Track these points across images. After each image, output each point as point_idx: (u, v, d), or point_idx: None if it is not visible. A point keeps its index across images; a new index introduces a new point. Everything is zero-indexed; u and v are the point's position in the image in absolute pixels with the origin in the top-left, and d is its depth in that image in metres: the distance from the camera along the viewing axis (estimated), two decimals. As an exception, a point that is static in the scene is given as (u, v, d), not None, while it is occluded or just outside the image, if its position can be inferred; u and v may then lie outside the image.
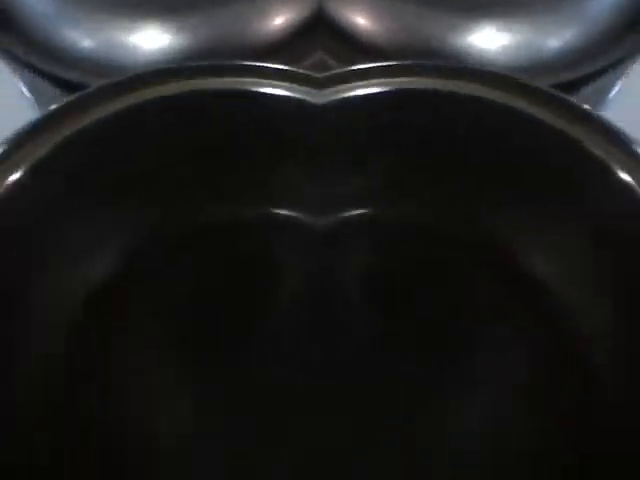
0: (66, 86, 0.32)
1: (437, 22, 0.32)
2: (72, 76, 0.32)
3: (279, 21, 0.33)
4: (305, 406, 0.29)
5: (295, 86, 0.29)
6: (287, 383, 0.29)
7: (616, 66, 0.31)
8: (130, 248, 0.30)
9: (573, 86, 0.31)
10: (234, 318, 0.30)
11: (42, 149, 0.28)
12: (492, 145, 0.29)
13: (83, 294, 0.30)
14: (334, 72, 0.30)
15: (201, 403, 0.30)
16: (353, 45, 0.32)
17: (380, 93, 0.29)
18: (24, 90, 0.36)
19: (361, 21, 0.32)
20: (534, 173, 0.29)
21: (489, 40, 0.32)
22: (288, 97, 0.29)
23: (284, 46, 0.33)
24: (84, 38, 0.33)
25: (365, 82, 0.29)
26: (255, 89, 0.29)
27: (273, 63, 0.30)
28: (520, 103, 0.28)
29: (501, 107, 0.28)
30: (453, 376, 0.30)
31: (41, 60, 0.33)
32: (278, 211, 0.31)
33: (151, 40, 0.33)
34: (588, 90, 0.31)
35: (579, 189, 0.28)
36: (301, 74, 0.30)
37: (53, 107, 0.29)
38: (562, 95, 0.28)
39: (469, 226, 0.30)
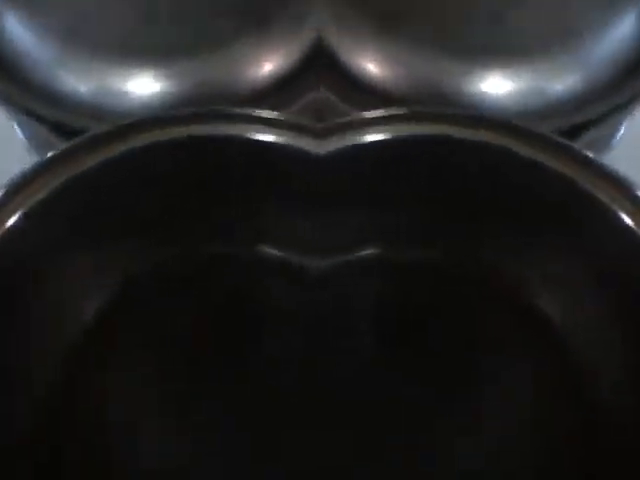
0: (62, 131, 0.33)
1: (442, 68, 0.32)
2: (68, 120, 0.32)
3: (269, 66, 0.33)
4: (301, 424, 0.30)
5: (296, 135, 0.30)
6: (283, 402, 0.30)
7: (618, 111, 0.31)
8: (123, 282, 0.31)
9: (576, 131, 0.31)
10: (227, 341, 0.31)
11: (40, 193, 0.29)
12: (494, 186, 0.30)
13: (78, 327, 0.30)
14: (334, 122, 0.30)
15: (197, 421, 0.30)
16: (360, 87, 0.33)
17: (379, 141, 0.30)
18: (20, 135, 0.36)
19: (370, 65, 0.33)
20: (535, 212, 0.29)
21: (493, 86, 0.32)
22: (288, 146, 0.30)
23: (281, 87, 0.33)
24: (81, 84, 0.33)
25: (364, 131, 0.30)
26: (256, 138, 0.30)
27: (271, 107, 0.31)
28: (521, 147, 0.29)
29: (503, 151, 0.29)
30: (459, 399, 0.30)
31: (38, 105, 0.33)
32: (277, 253, 0.32)
33: (146, 86, 0.33)
34: (592, 133, 0.32)
35: (580, 229, 0.29)
36: (302, 123, 0.30)
37: (50, 153, 0.30)
38: (565, 140, 0.29)
39: (475, 261, 0.31)
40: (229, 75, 0.33)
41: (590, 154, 0.28)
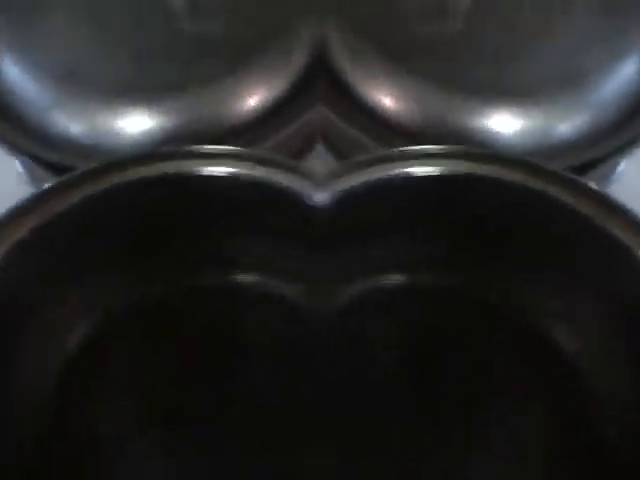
0: (56, 169, 0.33)
1: (453, 105, 0.33)
2: (62, 159, 0.33)
3: (257, 99, 0.35)
4: (288, 444, 0.30)
5: (295, 178, 0.30)
6: (269, 425, 0.31)
7: (622, 151, 0.32)
8: (106, 314, 0.31)
9: (582, 169, 0.32)
10: (211, 369, 0.32)
11: (22, 231, 0.29)
12: (509, 221, 0.30)
13: (63, 358, 0.31)
14: (334, 168, 0.30)
15: (182, 445, 0.31)
16: (371, 116, 0.34)
17: (377, 181, 0.30)
18: (20, 169, 0.37)
19: (382, 97, 0.34)
20: (550, 247, 0.30)
21: (501, 124, 0.33)
22: (288, 188, 0.30)
23: (275, 115, 0.35)
24: (75, 124, 0.34)
25: (361, 174, 0.30)
26: (253, 177, 0.30)
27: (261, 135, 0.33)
28: (537, 184, 0.29)
29: (518, 187, 0.29)
30: (469, 429, 0.31)
31: (33, 145, 0.33)
32: (283, 285, 0.32)
33: (138, 125, 0.34)
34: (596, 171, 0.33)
35: (594, 264, 0.29)
36: (302, 168, 0.30)
37: (34, 191, 0.30)
38: (582, 179, 0.30)
39: (489, 292, 0.32)
40: (219, 110, 0.34)
41: (604, 193, 0.29)
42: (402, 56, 0.34)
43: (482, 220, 0.30)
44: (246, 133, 0.34)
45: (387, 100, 0.34)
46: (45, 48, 0.34)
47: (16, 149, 0.33)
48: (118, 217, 0.30)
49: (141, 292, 0.32)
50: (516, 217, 0.30)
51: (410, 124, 0.34)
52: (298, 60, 0.35)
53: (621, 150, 0.32)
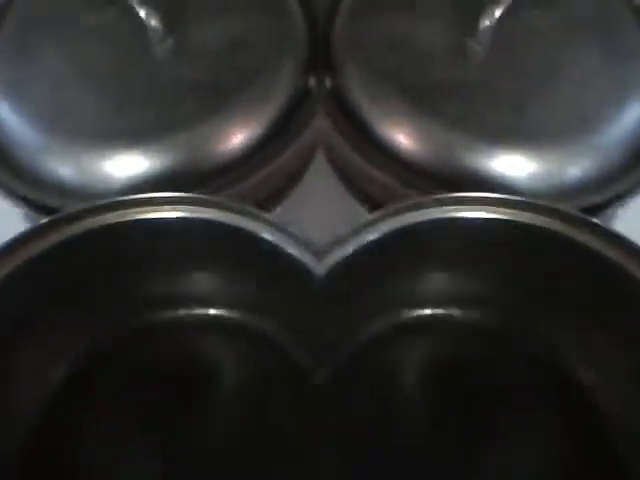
0: (45, 209, 0.33)
1: (469, 146, 0.34)
2: (50, 201, 0.34)
3: (238, 139, 0.35)
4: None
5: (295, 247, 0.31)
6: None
7: (630, 194, 0.33)
8: (87, 351, 0.33)
9: (591, 211, 0.33)
10: (191, 404, 0.33)
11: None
12: (546, 265, 0.31)
13: (47, 392, 0.32)
14: (333, 240, 0.31)
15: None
16: (384, 151, 0.35)
17: (375, 240, 0.31)
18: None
19: (397, 134, 0.35)
20: (587, 294, 0.31)
21: (515, 167, 0.34)
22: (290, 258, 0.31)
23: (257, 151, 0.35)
24: (62, 167, 0.34)
25: (360, 239, 0.31)
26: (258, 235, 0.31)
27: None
28: (568, 230, 0.30)
29: (546, 233, 0.30)
30: (486, 454, 0.32)
31: (22, 187, 0.34)
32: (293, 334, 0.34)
33: (123, 167, 0.34)
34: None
35: (627, 311, 0.31)
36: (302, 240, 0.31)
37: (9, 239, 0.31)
38: (618, 232, 0.31)
39: (522, 330, 0.33)
40: (204, 150, 0.35)
41: (633, 241, 0.30)
42: (419, 97, 0.35)
43: (510, 261, 0.32)
44: (231, 171, 0.35)
45: (402, 138, 0.35)
46: (36, 94, 0.35)
47: (4, 189, 0.34)
48: (92, 260, 0.31)
49: (120, 329, 0.33)
50: (544, 260, 0.31)
51: (424, 163, 0.34)
52: (278, 99, 0.36)
53: (629, 193, 0.33)
